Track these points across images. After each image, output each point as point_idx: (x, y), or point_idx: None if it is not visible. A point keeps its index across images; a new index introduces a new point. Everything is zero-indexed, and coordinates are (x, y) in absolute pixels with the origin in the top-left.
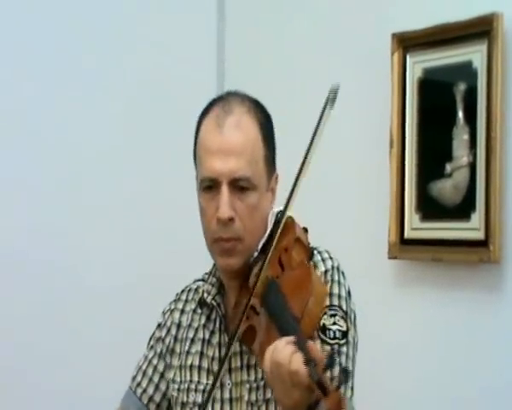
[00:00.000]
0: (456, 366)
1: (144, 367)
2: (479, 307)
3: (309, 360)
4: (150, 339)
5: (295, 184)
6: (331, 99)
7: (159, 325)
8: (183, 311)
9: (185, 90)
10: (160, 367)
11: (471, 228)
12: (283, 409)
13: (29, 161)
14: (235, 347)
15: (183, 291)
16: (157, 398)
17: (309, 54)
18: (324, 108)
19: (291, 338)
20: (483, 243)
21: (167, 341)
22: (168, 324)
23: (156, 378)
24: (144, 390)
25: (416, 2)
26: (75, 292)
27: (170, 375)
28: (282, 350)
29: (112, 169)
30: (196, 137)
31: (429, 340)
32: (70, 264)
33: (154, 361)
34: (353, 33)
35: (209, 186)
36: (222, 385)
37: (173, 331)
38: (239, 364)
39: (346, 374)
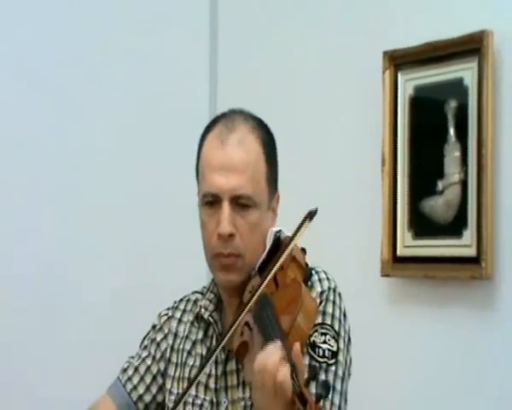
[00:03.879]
0: (449, 382)
1: (136, 364)
2: (471, 323)
3: (292, 372)
4: (144, 339)
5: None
6: (309, 217)
7: (154, 327)
8: (180, 320)
9: (178, 104)
10: (154, 370)
11: (463, 245)
12: None
13: (27, 168)
14: (232, 365)
15: (181, 300)
16: (147, 398)
17: (300, 71)
18: (301, 224)
19: (278, 345)
20: (475, 260)
21: (163, 347)
22: (165, 330)
23: (148, 379)
24: (134, 387)
25: (408, 20)
26: (73, 298)
27: (167, 385)
28: (270, 356)
29: (111, 176)
30: (199, 153)
31: (422, 357)
32: (68, 270)
33: (148, 362)
34: (345, 51)
35: (210, 202)
36: (218, 403)
37: (170, 340)
38: (235, 382)
39: (326, 388)
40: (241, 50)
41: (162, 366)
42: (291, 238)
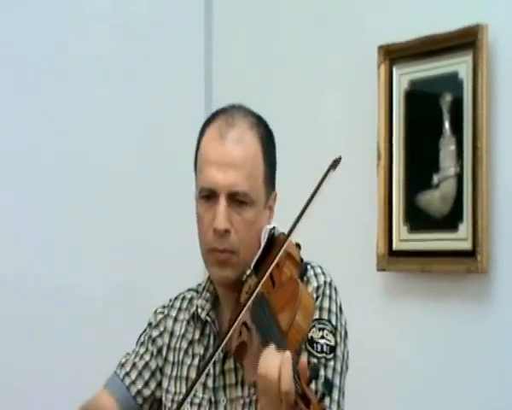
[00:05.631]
0: (445, 376)
1: (135, 360)
2: (467, 317)
3: (293, 373)
4: (141, 336)
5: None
6: (333, 166)
7: (150, 324)
8: (176, 319)
9: (173, 103)
10: (153, 365)
11: (459, 238)
12: None
13: (22, 168)
14: (230, 364)
15: (176, 298)
16: (145, 393)
17: (295, 66)
18: (325, 175)
19: (278, 350)
20: (470, 254)
21: (159, 344)
22: (161, 328)
23: (147, 375)
24: (133, 382)
25: (402, 15)
26: (66, 303)
27: (164, 384)
28: (271, 361)
29: (106, 176)
30: (198, 145)
31: (419, 350)
32: (60, 276)
33: (146, 358)
34: (339, 45)
35: (207, 196)
36: (217, 402)
37: (166, 339)
38: (234, 380)
39: (329, 386)
40: (236, 44)
41: (160, 362)
42: (315, 189)
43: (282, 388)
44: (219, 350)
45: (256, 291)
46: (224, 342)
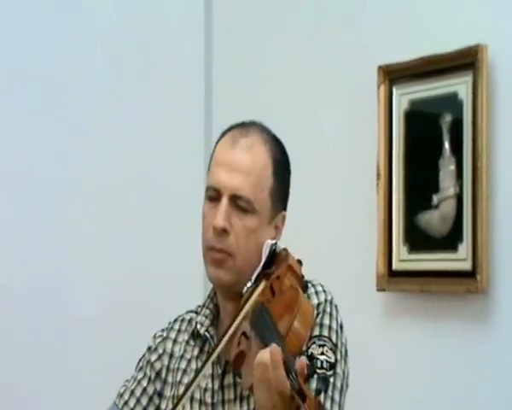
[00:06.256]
0: (444, 396)
1: (132, 387)
2: (467, 337)
3: (290, 371)
4: (140, 361)
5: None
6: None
7: (149, 348)
8: (175, 341)
9: (173, 107)
10: (150, 390)
11: (458, 259)
12: None
13: (16, 174)
14: (229, 379)
15: (175, 320)
16: None
17: (295, 85)
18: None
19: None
20: (470, 274)
21: (157, 367)
22: (160, 350)
23: (144, 401)
24: None
25: (402, 35)
26: (60, 316)
27: (162, 405)
28: (267, 353)
29: (103, 184)
30: (212, 153)
31: (418, 371)
32: (55, 287)
33: (144, 383)
34: (339, 66)
35: (213, 196)
36: None
37: (165, 361)
38: (232, 396)
39: (325, 383)
40: (235, 67)
41: (158, 386)
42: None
43: (273, 373)
44: (217, 352)
45: (255, 295)
46: (223, 343)
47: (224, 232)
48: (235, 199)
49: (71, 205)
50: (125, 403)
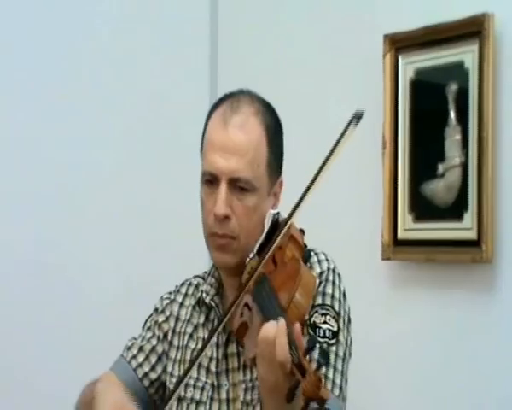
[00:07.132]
0: (450, 365)
1: (142, 344)
2: (472, 306)
3: (290, 344)
4: (146, 321)
5: (305, 194)
6: (354, 122)
7: (156, 310)
8: (182, 304)
9: (178, 103)
10: (159, 350)
11: (463, 228)
12: (264, 390)
13: (26, 168)
14: (233, 348)
15: (182, 284)
16: (152, 376)
17: (301, 56)
18: (346, 129)
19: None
20: (475, 243)
21: (165, 328)
22: (167, 313)
23: (153, 359)
24: (140, 365)
25: (408, 4)
26: (72, 298)
27: (168, 368)
28: (269, 327)
29: (111, 178)
30: (204, 130)
31: (423, 340)
32: (66, 269)
33: (154, 342)
34: (345, 35)
35: (210, 180)
36: (219, 386)
37: (172, 324)
38: (236, 365)
39: (325, 356)
40: (242, 36)
41: (166, 347)
42: (333, 147)
43: (276, 347)
44: (220, 328)
45: (257, 272)
46: (225, 320)
47: (225, 218)
48: (233, 182)
49: (82, 187)
50: (133, 357)
